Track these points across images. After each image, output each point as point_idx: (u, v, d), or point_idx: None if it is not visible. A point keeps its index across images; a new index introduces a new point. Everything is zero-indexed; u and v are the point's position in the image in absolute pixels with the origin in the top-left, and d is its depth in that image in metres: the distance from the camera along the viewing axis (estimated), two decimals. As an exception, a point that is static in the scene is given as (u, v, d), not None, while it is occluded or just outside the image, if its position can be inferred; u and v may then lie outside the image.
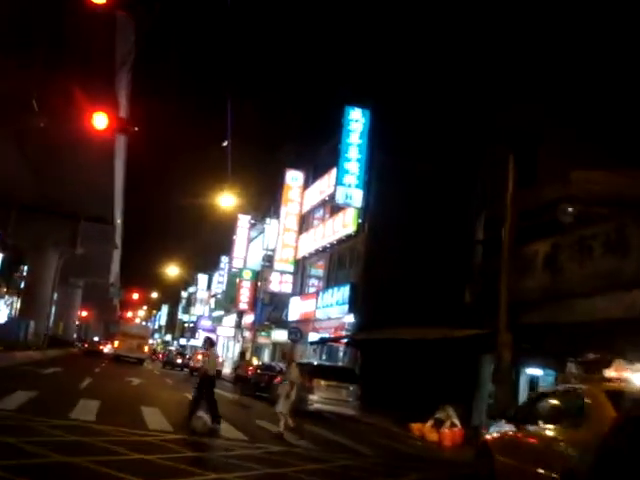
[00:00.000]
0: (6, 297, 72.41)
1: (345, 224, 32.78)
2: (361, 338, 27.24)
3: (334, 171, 33.05)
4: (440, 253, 28.27)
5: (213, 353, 16.26)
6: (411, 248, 29.10)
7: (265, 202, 49.66)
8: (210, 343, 16.20)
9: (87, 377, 24.58)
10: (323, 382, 21.56)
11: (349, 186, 31.01)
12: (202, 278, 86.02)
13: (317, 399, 21.34)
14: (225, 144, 48.36)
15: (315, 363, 25.95)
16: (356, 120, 31.87)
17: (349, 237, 32.71)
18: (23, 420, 11.02)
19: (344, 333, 31.00)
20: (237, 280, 54.77)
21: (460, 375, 21.39)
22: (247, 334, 52.34)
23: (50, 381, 22.21)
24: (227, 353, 64.24)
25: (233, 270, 58.42)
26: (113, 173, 36.71)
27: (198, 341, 76.05)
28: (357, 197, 31.01)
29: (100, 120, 17.15)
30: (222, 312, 66.52)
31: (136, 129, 18.30)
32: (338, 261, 35.46)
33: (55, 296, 52.72)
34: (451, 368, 21.99)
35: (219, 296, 70.42)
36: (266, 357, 47.18)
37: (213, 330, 68.40)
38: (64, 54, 21.93)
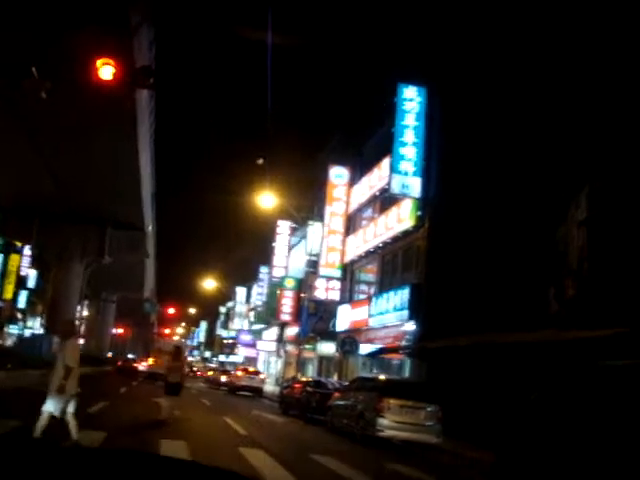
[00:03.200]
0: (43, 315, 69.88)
1: (401, 219, 28.83)
2: (436, 346, 22.78)
3: (385, 162, 29.45)
4: (517, 245, 24.03)
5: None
6: (481, 241, 24.99)
7: (307, 204, 46.07)
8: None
9: (105, 399, 20.75)
10: (395, 402, 17.18)
11: (406, 174, 27.24)
12: (240, 291, 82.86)
13: (388, 424, 16.92)
14: (260, 161, 45.33)
15: (382, 377, 21.71)
16: (411, 99, 28.12)
17: (406, 234, 28.77)
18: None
19: (404, 343, 27.02)
20: (278, 290, 51.20)
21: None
22: (290, 348, 48.81)
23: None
24: (268, 369, 60.88)
25: (274, 280, 55.00)
26: (139, 171, 33.42)
27: (238, 357, 72.97)
28: (415, 186, 27.19)
29: (106, 70, 13.54)
30: (262, 325, 63.08)
31: (151, 80, 14.64)
32: (392, 262, 31.58)
33: (86, 311, 49.89)
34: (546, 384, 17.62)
35: (259, 309, 67.00)
36: (310, 372, 43.62)
37: (253, 345, 65.43)
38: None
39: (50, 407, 9.65)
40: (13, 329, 71.82)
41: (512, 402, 17.60)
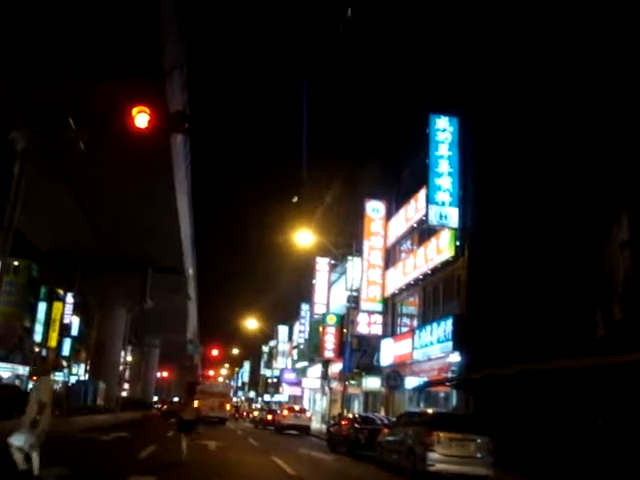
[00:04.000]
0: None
1: (440, 249, 28.62)
2: (481, 376, 22.40)
3: (421, 193, 29.48)
4: (560, 270, 23.62)
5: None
6: (522, 268, 24.59)
7: (345, 239, 46.00)
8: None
9: (154, 443, 20.72)
10: (445, 435, 16.82)
11: (442, 204, 27.20)
12: (282, 329, 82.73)
13: (439, 457, 16.55)
14: (295, 199, 45.63)
15: (430, 411, 21.41)
16: (443, 130, 28.21)
17: (445, 264, 28.54)
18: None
19: (449, 375, 26.66)
20: (320, 327, 50.98)
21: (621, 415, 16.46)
22: (334, 384, 48.33)
23: (103, 450, 18.50)
24: (314, 406, 60.42)
25: (315, 317, 54.83)
26: (177, 215, 33.73)
27: (283, 396, 72.61)
28: (453, 216, 27.13)
29: (142, 118, 13.76)
30: (306, 363, 62.77)
31: (186, 125, 14.83)
32: (433, 293, 31.28)
33: (130, 357, 50.18)
34: (607, 408, 17.12)
35: (301, 346, 66.76)
36: (356, 408, 43.16)
37: (298, 383, 65.10)
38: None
39: (19, 441, 9.38)
40: (58, 376, 72.50)
41: (570, 428, 17.27)
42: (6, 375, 64.41)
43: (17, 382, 55.71)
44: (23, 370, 65.62)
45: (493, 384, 22.09)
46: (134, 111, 13.78)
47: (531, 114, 24.51)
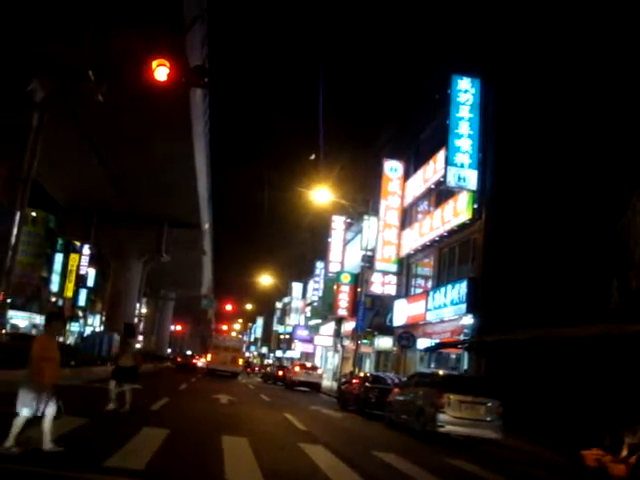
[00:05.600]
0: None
1: (457, 212, 28.47)
2: (494, 340, 22.41)
3: (440, 154, 29.17)
4: (577, 237, 23.51)
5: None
6: (539, 233, 24.54)
7: (362, 199, 45.87)
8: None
9: (166, 395, 20.93)
10: (455, 397, 16.85)
11: (462, 166, 26.94)
12: (296, 286, 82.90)
13: (448, 419, 16.60)
14: (313, 157, 45.42)
15: (441, 373, 21.47)
16: (465, 91, 27.81)
17: (462, 227, 28.39)
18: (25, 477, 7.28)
19: (462, 337, 26.70)
20: (334, 285, 51.07)
21: (632, 385, 16.39)
22: (347, 343, 48.56)
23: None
24: (326, 364, 60.81)
25: (329, 275, 54.86)
26: (195, 170, 33.73)
27: (295, 353, 73.09)
28: (472, 178, 26.87)
29: (161, 71, 13.68)
30: (319, 320, 62.96)
31: (205, 80, 14.70)
32: (449, 255, 31.19)
33: (145, 309, 50.53)
34: (618, 376, 17.07)
35: (315, 304, 66.93)
36: (367, 367, 43.48)
37: (310, 340, 65.36)
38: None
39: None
40: (74, 327, 73.27)
41: (579, 395, 17.30)
42: (23, 324, 65.13)
43: (34, 331, 56.23)
44: (40, 319, 66.28)
45: (505, 348, 22.12)
46: (154, 64, 13.66)
47: (554, 81, 24.20)
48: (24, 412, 8.21)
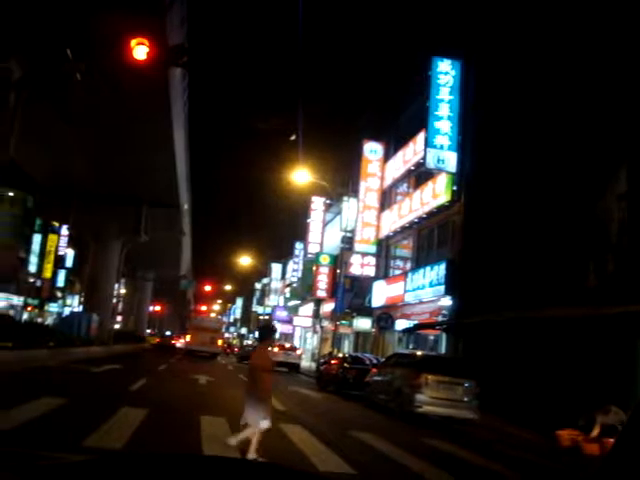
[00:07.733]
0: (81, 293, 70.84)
1: (436, 194, 28.58)
2: (472, 321, 22.59)
3: (420, 136, 29.23)
4: (555, 219, 23.64)
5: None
6: (518, 216, 24.63)
7: (341, 180, 45.90)
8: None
9: (145, 376, 20.97)
10: (433, 378, 17.06)
11: (441, 148, 27.09)
12: (276, 267, 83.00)
13: (426, 399, 16.78)
14: (293, 137, 45.27)
15: (419, 353, 21.62)
16: (446, 73, 27.93)
17: (441, 208, 28.53)
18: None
19: (440, 319, 26.89)
20: (313, 267, 51.20)
21: (607, 366, 16.61)
22: (326, 324, 48.75)
23: (95, 382, 18.64)
24: (305, 345, 61.08)
25: (309, 256, 55.00)
26: (173, 150, 33.49)
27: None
28: (451, 160, 27.04)
29: (141, 50, 13.60)
30: (298, 301, 63.18)
31: (185, 59, 14.63)
32: (428, 237, 31.39)
33: (123, 290, 50.30)
34: (593, 358, 17.26)
35: (294, 285, 67.11)
36: (346, 348, 43.73)
37: (289, 321, 65.58)
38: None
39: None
40: (53, 307, 72.93)
41: (555, 375, 17.50)
42: (1, 305, 64.71)
43: (11, 312, 55.85)
44: (17, 300, 65.91)
45: (483, 330, 22.31)
46: (133, 43, 13.61)
47: (534, 64, 24.23)
48: (264, 424, 8.55)
